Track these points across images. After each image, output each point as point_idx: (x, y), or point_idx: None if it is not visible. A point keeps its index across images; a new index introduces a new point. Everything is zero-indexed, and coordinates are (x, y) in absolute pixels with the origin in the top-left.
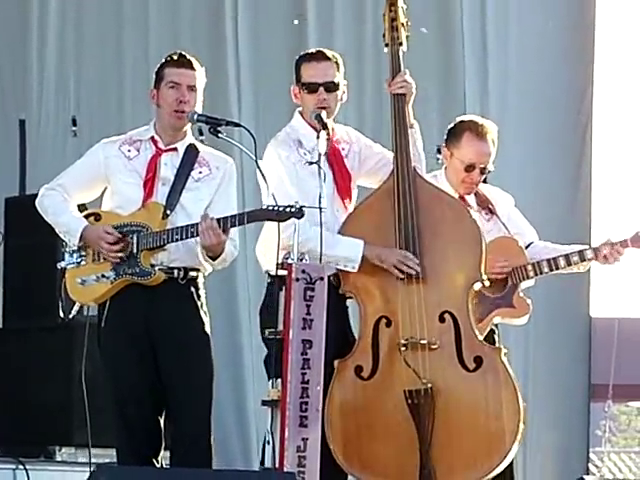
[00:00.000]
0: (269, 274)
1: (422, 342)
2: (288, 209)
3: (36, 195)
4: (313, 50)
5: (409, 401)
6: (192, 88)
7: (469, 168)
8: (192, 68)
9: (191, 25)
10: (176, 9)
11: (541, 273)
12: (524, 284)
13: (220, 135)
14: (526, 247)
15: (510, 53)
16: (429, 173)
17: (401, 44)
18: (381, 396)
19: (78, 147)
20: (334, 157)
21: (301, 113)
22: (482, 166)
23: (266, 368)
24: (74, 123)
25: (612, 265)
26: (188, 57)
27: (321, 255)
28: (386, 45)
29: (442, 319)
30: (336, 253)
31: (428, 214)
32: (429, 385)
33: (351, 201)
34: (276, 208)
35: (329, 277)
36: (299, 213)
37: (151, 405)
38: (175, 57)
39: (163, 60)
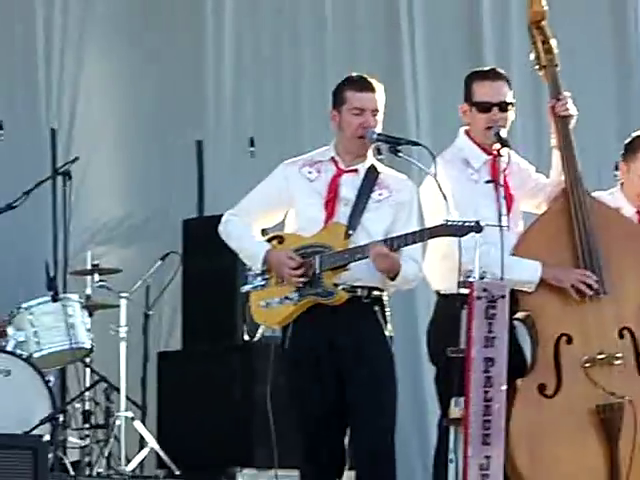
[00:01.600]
0: (438, 293)
1: (607, 357)
2: (467, 224)
3: (214, 217)
4: (486, 68)
5: (601, 416)
6: (375, 112)
7: None
8: (374, 91)
9: (368, 42)
10: (352, 27)
11: None
12: None
13: (400, 154)
14: None
15: None
16: (606, 192)
17: (557, 65)
18: (566, 414)
19: (256, 167)
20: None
21: (467, 132)
22: None
23: (437, 386)
24: (252, 143)
25: None
26: (369, 79)
27: (502, 271)
28: (542, 68)
29: (621, 335)
30: (513, 276)
31: (603, 233)
32: (625, 398)
33: (516, 224)
34: (455, 223)
35: None
36: (478, 228)
37: (335, 425)
38: (356, 79)
39: (343, 81)
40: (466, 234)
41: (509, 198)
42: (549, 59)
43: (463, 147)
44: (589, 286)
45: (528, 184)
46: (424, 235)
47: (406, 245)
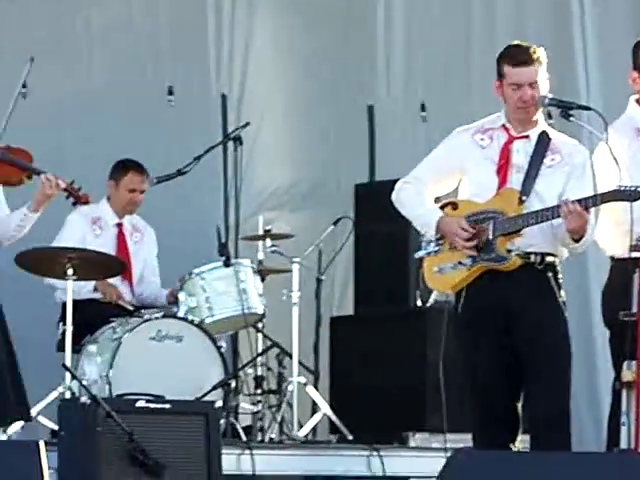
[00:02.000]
0: (612, 258)
1: None
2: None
3: (386, 181)
4: None
5: None
6: (533, 85)
7: None
8: (530, 63)
9: (537, 8)
10: None
11: None
12: None
13: (571, 119)
14: None
15: None
16: None
17: None
18: None
19: (427, 133)
20: None
21: (637, 100)
22: None
23: (611, 349)
24: (423, 109)
25: None
26: (524, 51)
27: None
28: None
29: None
30: None
31: None
32: None
33: None
34: (629, 188)
35: None
36: None
37: (509, 390)
38: (512, 52)
39: (501, 52)
40: (638, 199)
41: None
42: None
43: (634, 115)
44: None
45: None
46: (597, 199)
47: (594, 206)
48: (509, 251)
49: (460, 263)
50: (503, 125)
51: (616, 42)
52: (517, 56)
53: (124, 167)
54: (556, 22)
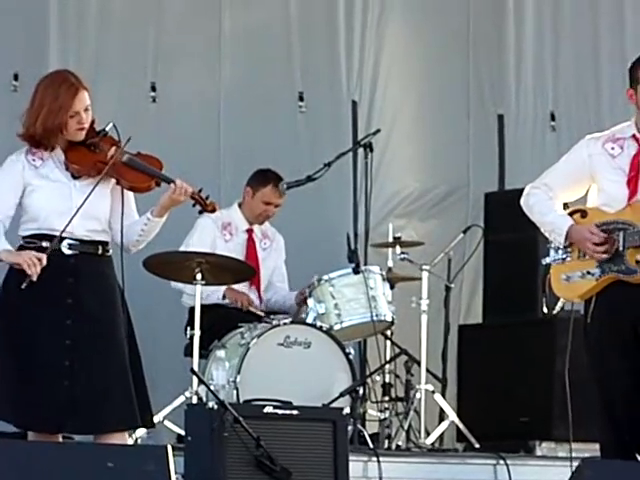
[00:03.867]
0: None
1: None
2: None
3: (515, 190)
4: None
5: None
6: None
7: None
8: None
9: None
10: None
11: None
12: None
13: None
14: None
15: None
16: None
17: None
18: None
19: (557, 142)
20: None
21: None
22: None
23: None
24: (552, 118)
25: None
26: None
27: None
28: None
29: None
30: None
31: None
32: None
33: None
34: None
35: None
36: None
37: (637, 401)
38: None
39: (636, 59)
40: None
41: None
42: None
43: None
44: None
45: None
46: None
47: None
48: (638, 263)
49: (589, 273)
50: (634, 135)
51: None
52: None
53: (265, 178)
54: None
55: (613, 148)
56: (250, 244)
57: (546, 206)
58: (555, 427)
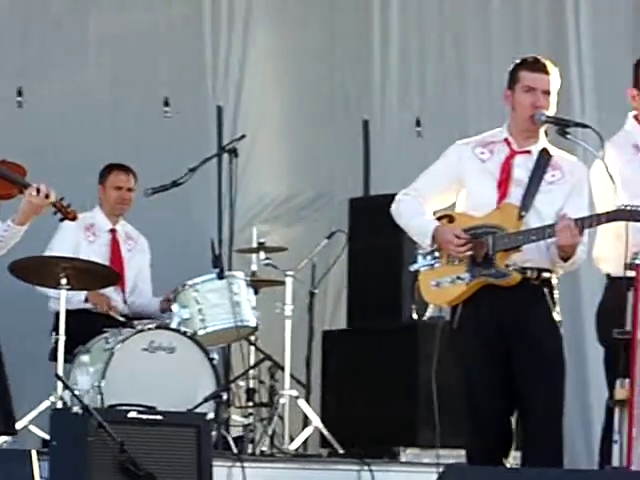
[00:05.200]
0: (609, 276)
1: None
2: None
3: (380, 196)
4: None
5: None
6: (547, 93)
7: None
8: (546, 72)
9: (531, 22)
10: (517, 9)
11: None
12: None
13: (568, 136)
14: None
15: None
16: None
17: None
18: None
19: (422, 148)
20: None
21: (636, 117)
22: None
23: (605, 368)
24: (418, 124)
25: None
26: (543, 61)
27: None
28: None
29: None
30: None
31: None
32: None
33: None
34: (634, 208)
35: None
36: None
37: (503, 407)
38: (531, 60)
39: (518, 62)
40: None
41: None
42: None
43: (631, 131)
44: None
45: None
46: (602, 219)
47: (590, 227)
48: (507, 266)
49: (459, 278)
50: (505, 139)
51: (611, 59)
52: (536, 63)
53: (107, 168)
54: (551, 40)
55: (483, 153)
56: (114, 245)
57: (415, 210)
58: (420, 433)
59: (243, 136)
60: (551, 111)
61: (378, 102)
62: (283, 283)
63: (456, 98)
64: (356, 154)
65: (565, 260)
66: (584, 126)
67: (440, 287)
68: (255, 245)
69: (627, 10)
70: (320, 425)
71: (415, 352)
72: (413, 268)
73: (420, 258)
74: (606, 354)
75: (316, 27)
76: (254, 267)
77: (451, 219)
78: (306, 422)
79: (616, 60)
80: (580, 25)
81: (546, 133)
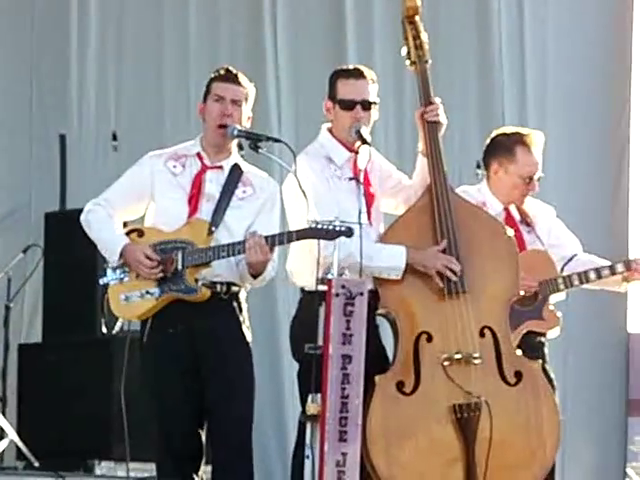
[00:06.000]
0: (303, 290)
1: (465, 356)
2: (337, 228)
3: (76, 210)
4: (351, 66)
5: (457, 415)
6: (236, 102)
7: (528, 180)
8: (237, 83)
9: (230, 39)
10: (215, 24)
11: (571, 286)
12: (555, 297)
13: (260, 150)
14: (569, 259)
15: (548, 67)
16: (473, 186)
17: (427, 62)
18: (424, 412)
19: (118, 161)
20: (364, 177)
21: (330, 130)
22: (537, 176)
23: (299, 382)
24: (114, 138)
25: None
26: (235, 72)
27: (361, 268)
28: (412, 64)
29: (482, 334)
30: (380, 264)
31: (465, 230)
32: (481, 398)
33: (377, 221)
34: (325, 227)
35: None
36: (349, 232)
37: (192, 420)
38: (222, 72)
39: (212, 75)
40: (336, 237)
41: (369, 196)
42: (419, 55)
43: (325, 144)
44: (454, 273)
45: (387, 183)
46: (292, 236)
47: (281, 244)
48: (197, 281)
49: (148, 292)
50: (198, 153)
51: (309, 72)
52: (226, 73)
53: None
54: (249, 52)
55: (175, 166)
56: None
57: (104, 223)
58: (114, 446)
59: None
60: (246, 124)
61: (75, 116)
62: None
63: (152, 112)
64: (53, 168)
65: (255, 277)
66: (276, 140)
67: (129, 301)
68: None
69: (324, 23)
70: (16, 438)
71: (108, 365)
72: (102, 282)
73: (110, 272)
74: (300, 369)
75: (14, 40)
76: None
77: (141, 233)
78: (2, 435)
79: (315, 72)
80: (278, 36)
81: (241, 147)
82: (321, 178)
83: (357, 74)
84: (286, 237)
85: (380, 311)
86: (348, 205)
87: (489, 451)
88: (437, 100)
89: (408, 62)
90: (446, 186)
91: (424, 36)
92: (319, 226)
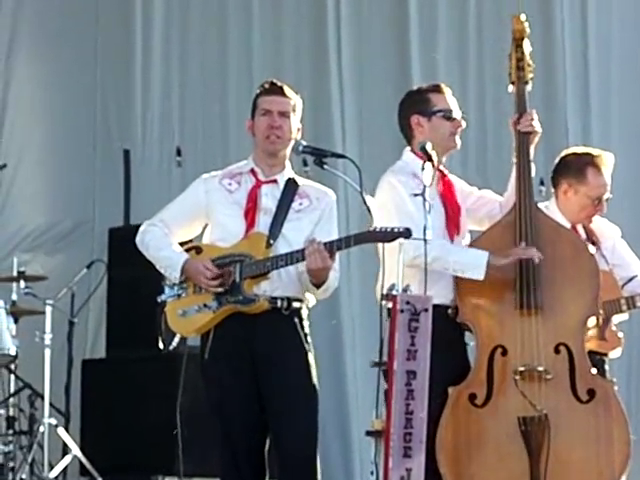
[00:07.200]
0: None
1: (538, 371)
2: (395, 229)
3: (140, 226)
4: (433, 84)
5: (522, 428)
6: (284, 114)
7: (597, 201)
8: (283, 94)
9: (295, 56)
10: (280, 40)
11: (634, 307)
12: (618, 317)
13: (325, 166)
14: (630, 280)
15: (612, 84)
16: (541, 203)
17: (527, 83)
18: (494, 424)
19: (183, 177)
20: (447, 190)
21: (412, 150)
22: (606, 197)
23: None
24: (178, 153)
25: None
26: (279, 84)
27: (425, 282)
28: (512, 83)
29: (557, 350)
30: (462, 259)
31: (548, 248)
32: (544, 412)
33: (461, 236)
34: (383, 229)
35: (447, 310)
36: (407, 233)
37: (256, 435)
38: (267, 86)
39: (257, 91)
40: (394, 239)
41: (454, 211)
42: (519, 76)
43: (409, 162)
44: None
45: (469, 200)
46: (350, 241)
47: (339, 249)
48: (256, 295)
49: (205, 306)
50: (251, 170)
51: (373, 92)
52: (270, 86)
53: None
54: (314, 70)
55: (230, 184)
56: None
57: (162, 242)
58: (178, 462)
59: (4, 165)
60: (297, 136)
61: (139, 131)
62: (43, 312)
63: (217, 127)
64: (117, 184)
65: (318, 287)
66: (341, 156)
67: (186, 316)
68: (15, 274)
69: (388, 39)
70: (79, 453)
71: (173, 381)
72: (160, 299)
73: (167, 289)
74: None
75: (76, 56)
76: (14, 295)
77: (199, 250)
78: (65, 450)
79: (379, 93)
80: (342, 56)
81: (305, 163)
82: (406, 188)
83: (443, 88)
84: (344, 242)
85: (459, 320)
86: (419, 221)
87: (554, 467)
88: (532, 111)
89: (509, 81)
90: (531, 201)
91: (528, 60)
92: (376, 229)
